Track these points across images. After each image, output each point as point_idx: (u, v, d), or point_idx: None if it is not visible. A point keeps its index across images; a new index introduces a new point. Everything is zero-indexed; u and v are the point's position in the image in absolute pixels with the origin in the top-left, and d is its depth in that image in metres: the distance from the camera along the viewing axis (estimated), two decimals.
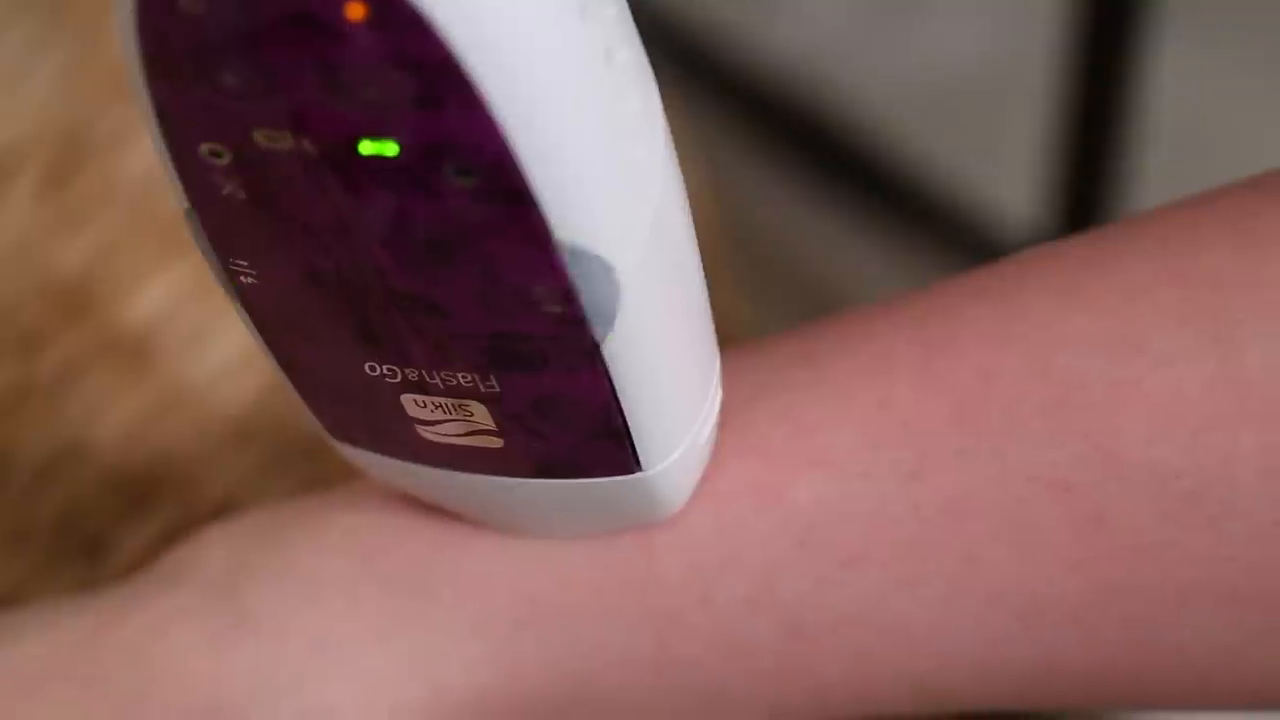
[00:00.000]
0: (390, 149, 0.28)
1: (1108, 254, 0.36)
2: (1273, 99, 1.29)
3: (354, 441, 0.36)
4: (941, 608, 0.36)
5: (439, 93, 0.27)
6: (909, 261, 1.17)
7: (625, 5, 0.30)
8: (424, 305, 0.31)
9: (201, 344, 0.54)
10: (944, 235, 1.19)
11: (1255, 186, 0.36)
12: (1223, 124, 1.27)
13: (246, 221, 0.30)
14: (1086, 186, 1.09)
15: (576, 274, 0.30)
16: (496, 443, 0.34)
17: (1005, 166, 1.22)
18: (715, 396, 0.36)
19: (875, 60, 1.30)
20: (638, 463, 0.34)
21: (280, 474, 0.52)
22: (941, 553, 0.35)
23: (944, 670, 0.36)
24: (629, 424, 0.33)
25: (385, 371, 0.33)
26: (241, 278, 0.32)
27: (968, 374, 0.36)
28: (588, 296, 0.30)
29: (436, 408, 0.33)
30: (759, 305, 0.69)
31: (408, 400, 0.34)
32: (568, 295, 0.30)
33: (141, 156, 0.55)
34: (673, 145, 0.32)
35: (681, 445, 0.34)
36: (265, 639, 0.37)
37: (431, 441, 0.34)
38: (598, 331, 0.31)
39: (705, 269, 0.34)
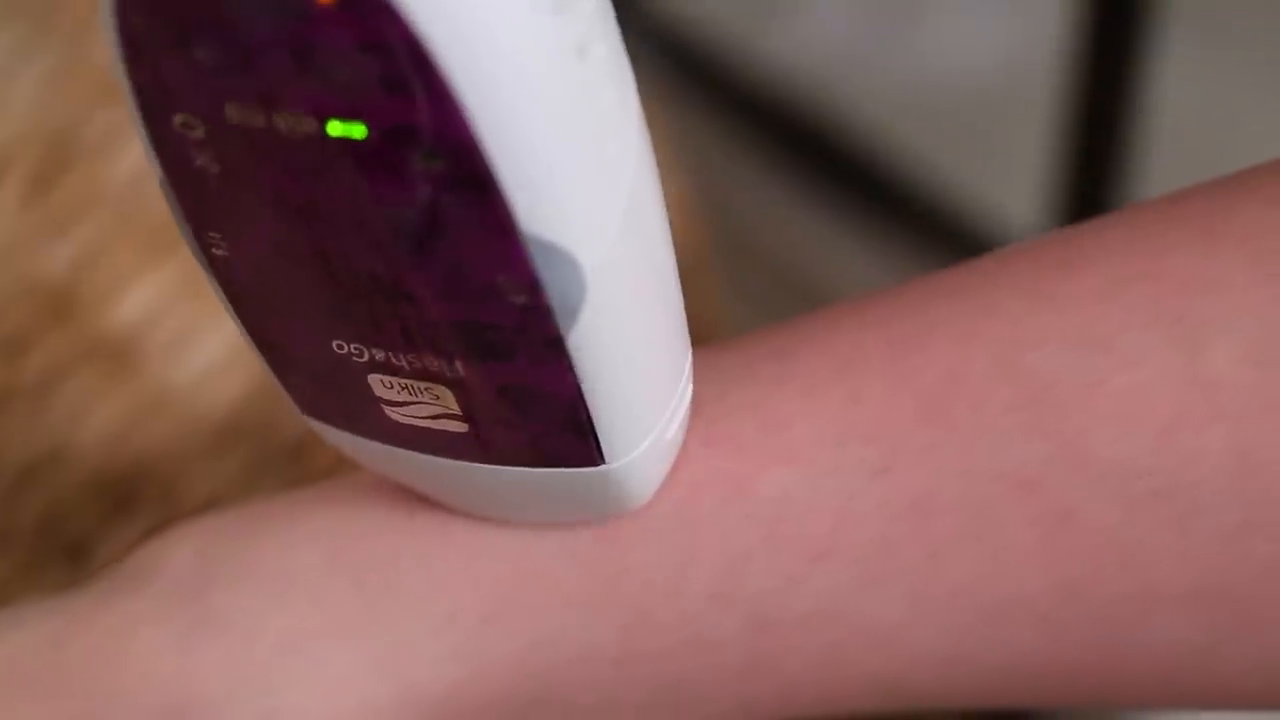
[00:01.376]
0: (358, 131, 0.28)
1: (1078, 253, 0.36)
2: (1272, 110, 1.29)
3: (322, 419, 0.36)
4: (907, 605, 0.36)
5: (405, 77, 0.27)
6: (910, 269, 1.17)
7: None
8: (390, 289, 0.31)
9: (185, 347, 0.54)
10: (946, 242, 1.19)
11: (1226, 186, 0.36)
12: (1228, 130, 1.27)
13: (218, 194, 0.30)
14: (1091, 193, 1.09)
15: (542, 266, 0.30)
16: (462, 428, 0.34)
17: (1009, 173, 1.22)
18: (685, 391, 0.36)
19: (877, 66, 1.30)
20: (601, 456, 0.34)
21: (263, 477, 0.53)
22: (908, 549, 0.35)
23: (910, 668, 0.36)
24: (593, 418, 0.33)
25: (353, 350, 0.33)
26: (214, 249, 0.32)
27: (936, 371, 0.36)
28: (553, 290, 0.30)
29: (403, 389, 0.33)
30: (757, 311, 0.69)
31: (375, 380, 0.34)
32: (532, 287, 0.30)
33: (128, 160, 0.55)
34: (649, 140, 0.32)
35: (647, 440, 0.34)
36: (233, 638, 0.37)
37: (398, 422, 0.34)
38: (562, 325, 0.31)
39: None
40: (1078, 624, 0.35)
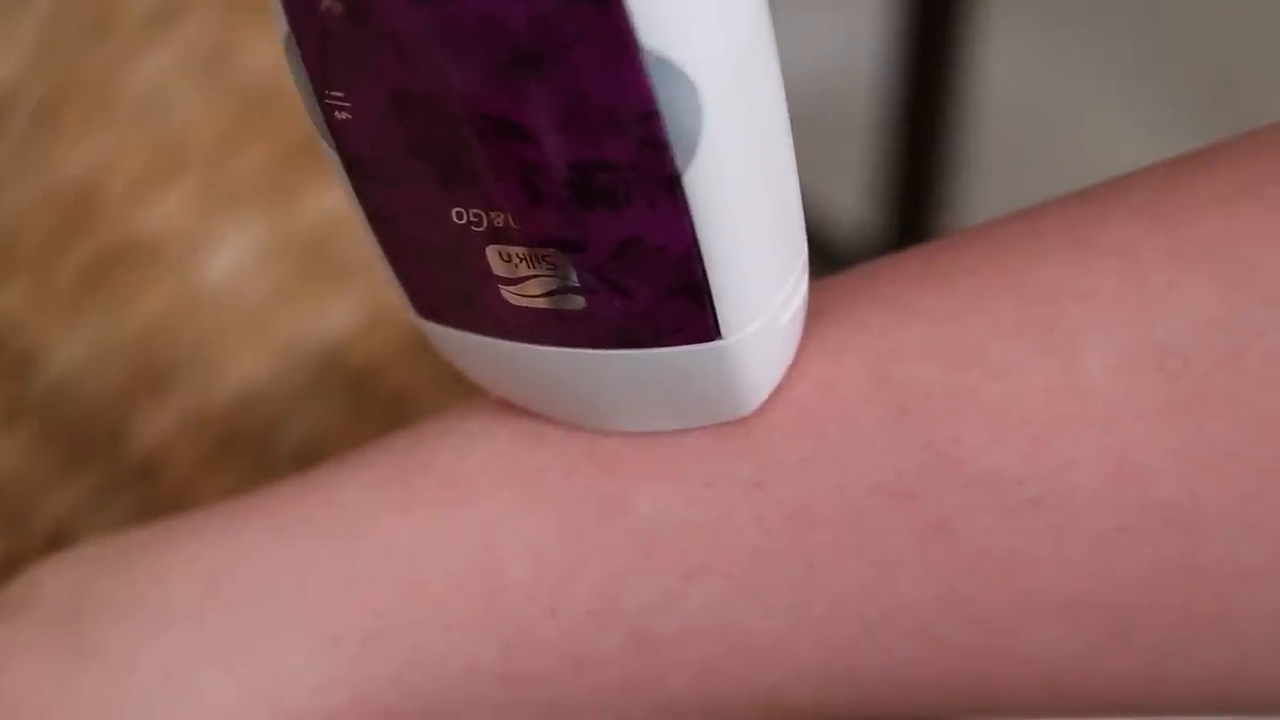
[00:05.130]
0: None
1: (944, 267, 0.36)
2: (1095, 90, 1.31)
3: (437, 316, 0.36)
4: (786, 618, 0.36)
5: None
6: None
7: None
8: (508, 130, 0.31)
9: (38, 359, 0.53)
10: None
11: (1091, 197, 0.36)
12: (1051, 118, 1.29)
13: (341, 40, 0.30)
14: (918, 187, 1.10)
15: (660, 88, 0.30)
16: (579, 303, 0.34)
17: (836, 170, 1.23)
18: (801, 281, 0.35)
19: None
20: (717, 329, 0.34)
21: (113, 497, 0.52)
22: (785, 562, 0.36)
23: (792, 681, 0.37)
24: (708, 278, 0.33)
25: (471, 218, 0.33)
26: (336, 113, 0.32)
27: (808, 384, 0.36)
28: (670, 117, 0.30)
29: (521, 260, 0.33)
30: None
31: (493, 254, 0.33)
32: (650, 114, 0.30)
33: None
34: None
35: (762, 317, 0.34)
36: (110, 669, 0.37)
37: (514, 307, 0.34)
38: (679, 159, 0.31)
39: None
40: (958, 633, 0.36)
